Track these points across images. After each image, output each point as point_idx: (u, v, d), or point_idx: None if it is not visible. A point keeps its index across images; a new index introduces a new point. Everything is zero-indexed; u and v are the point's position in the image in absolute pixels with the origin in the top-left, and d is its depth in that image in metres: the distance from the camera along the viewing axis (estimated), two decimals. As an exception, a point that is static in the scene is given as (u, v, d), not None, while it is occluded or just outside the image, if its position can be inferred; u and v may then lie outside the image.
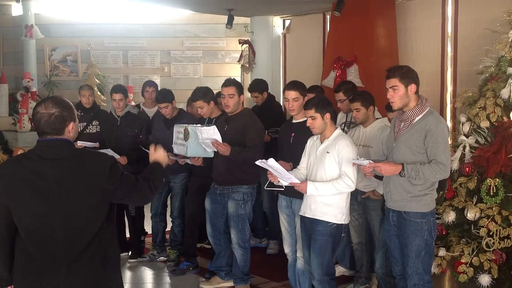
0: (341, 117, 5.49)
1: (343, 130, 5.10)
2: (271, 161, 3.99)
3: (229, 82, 4.96)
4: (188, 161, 5.25)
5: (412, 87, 3.75)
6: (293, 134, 4.61)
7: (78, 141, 5.53)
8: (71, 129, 2.74)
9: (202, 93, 5.23)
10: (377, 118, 4.91)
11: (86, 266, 2.66)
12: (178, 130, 5.13)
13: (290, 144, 4.62)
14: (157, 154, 3.02)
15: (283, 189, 4.31)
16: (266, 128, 5.86)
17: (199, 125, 5.14)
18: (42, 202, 2.61)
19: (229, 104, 4.90)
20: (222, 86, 4.97)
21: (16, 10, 11.58)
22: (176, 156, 5.27)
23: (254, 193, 5.03)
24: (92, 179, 2.65)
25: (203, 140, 4.76)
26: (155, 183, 2.86)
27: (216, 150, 4.79)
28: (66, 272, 2.63)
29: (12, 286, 2.76)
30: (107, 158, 2.77)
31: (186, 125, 4.99)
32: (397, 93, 3.75)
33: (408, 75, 3.77)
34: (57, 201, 2.61)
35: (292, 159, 4.45)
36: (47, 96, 11.11)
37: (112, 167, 2.70)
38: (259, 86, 6.45)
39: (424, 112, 3.76)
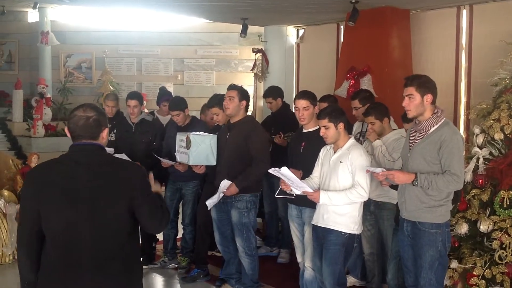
0: (357, 126, 5.47)
1: (358, 140, 5.09)
2: (284, 169, 4.00)
3: (232, 86, 5.04)
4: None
5: (428, 97, 3.74)
6: (303, 143, 4.62)
7: None
8: (105, 135, 2.73)
9: (219, 100, 5.25)
10: (393, 129, 4.90)
11: (110, 276, 2.62)
12: (180, 138, 5.16)
13: (300, 153, 4.62)
14: (157, 187, 2.98)
15: (293, 197, 4.32)
16: (283, 133, 5.89)
17: (201, 132, 5.17)
18: (71, 208, 2.57)
19: (229, 107, 4.93)
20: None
21: (32, 16, 11.73)
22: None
23: (257, 201, 5.04)
24: (124, 188, 2.62)
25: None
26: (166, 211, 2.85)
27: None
28: (90, 280, 2.59)
29: None
30: (140, 169, 2.73)
31: (188, 133, 5.03)
32: (413, 101, 3.75)
33: (426, 85, 3.76)
34: (86, 207, 2.56)
35: (302, 168, 4.45)
36: (61, 102, 11.24)
37: (144, 179, 2.68)
38: (273, 92, 6.48)
39: (440, 123, 3.75)
